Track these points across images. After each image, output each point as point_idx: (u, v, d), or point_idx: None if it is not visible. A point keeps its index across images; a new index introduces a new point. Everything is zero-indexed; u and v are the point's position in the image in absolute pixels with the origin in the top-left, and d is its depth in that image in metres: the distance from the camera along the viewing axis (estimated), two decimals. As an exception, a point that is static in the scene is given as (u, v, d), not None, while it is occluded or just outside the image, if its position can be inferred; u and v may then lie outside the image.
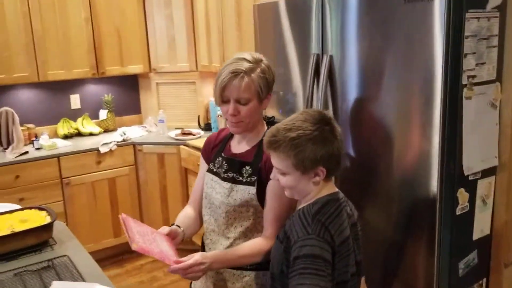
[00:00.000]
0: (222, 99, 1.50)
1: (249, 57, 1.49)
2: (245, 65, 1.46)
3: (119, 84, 4.24)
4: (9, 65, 3.42)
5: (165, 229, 1.52)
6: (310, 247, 1.22)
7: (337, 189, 1.39)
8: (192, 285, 1.73)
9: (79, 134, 3.94)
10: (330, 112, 1.36)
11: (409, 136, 1.69)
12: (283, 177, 1.34)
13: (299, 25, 1.93)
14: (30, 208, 1.92)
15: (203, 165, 1.70)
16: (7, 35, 3.38)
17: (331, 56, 1.77)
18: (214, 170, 1.61)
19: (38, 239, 1.73)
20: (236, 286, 1.57)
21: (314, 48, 1.85)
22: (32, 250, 1.71)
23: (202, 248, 1.68)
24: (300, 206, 1.38)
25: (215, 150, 1.66)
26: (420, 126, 1.64)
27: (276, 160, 1.32)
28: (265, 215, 1.52)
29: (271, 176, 1.39)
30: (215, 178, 1.60)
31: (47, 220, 1.81)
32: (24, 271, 1.57)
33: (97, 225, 3.68)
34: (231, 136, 1.65)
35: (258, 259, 1.49)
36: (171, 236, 1.53)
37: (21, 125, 3.68)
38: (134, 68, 3.98)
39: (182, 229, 1.60)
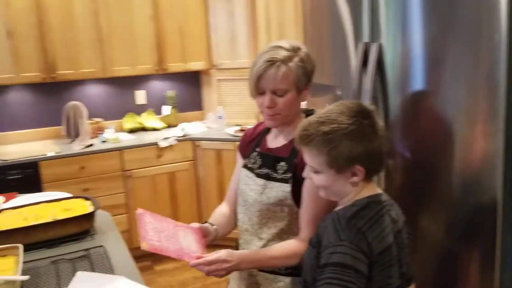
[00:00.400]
0: (258, 91, 1.41)
1: (286, 45, 1.39)
2: (282, 53, 1.37)
3: (182, 81, 4.30)
4: (77, 61, 3.58)
5: (196, 224, 1.46)
6: (341, 255, 1.10)
7: (379, 191, 1.25)
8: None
9: (143, 129, 4.05)
10: (371, 105, 1.22)
11: (470, 134, 1.49)
12: (316, 176, 1.22)
13: (350, 11, 1.79)
14: (77, 197, 1.95)
15: (239, 160, 1.63)
16: (76, 32, 3.54)
17: (380, 45, 1.61)
18: (249, 165, 1.53)
19: (79, 228, 1.75)
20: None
21: (363, 36, 1.70)
22: (73, 238, 1.74)
23: (236, 248, 1.60)
24: (337, 208, 1.26)
25: (251, 145, 1.58)
26: (483, 123, 1.44)
27: (308, 157, 1.22)
28: (301, 216, 1.41)
29: (304, 174, 1.28)
30: (250, 174, 1.52)
31: (89, 210, 1.83)
32: (60, 259, 1.59)
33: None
34: (268, 130, 1.56)
35: (292, 261, 1.39)
36: (204, 233, 1.47)
37: (90, 119, 3.85)
38: (196, 65, 4.01)
39: (214, 227, 1.53)
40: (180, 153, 3.75)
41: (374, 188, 1.24)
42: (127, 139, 3.72)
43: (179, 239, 1.32)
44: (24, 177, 3.28)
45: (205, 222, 1.55)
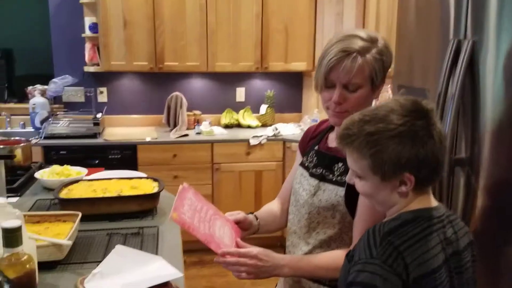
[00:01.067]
0: (326, 84, 1.27)
1: (363, 35, 1.25)
2: (359, 44, 1.22)
3: (282, 81, 4.27)
4: (183, 54, 3.73)
5: (238, 215, 1.39)
6: (369, 275, 0.95)
7: (435, 204, 1.07)
8: None
9: (238, 125, 4.09)
10: (429, 103, 1.03)
11: None
12: (359, 182, 1.08)
13: (446, 5, 1.58)
14: (147, 178, 2.00)
15: (298, 158, 1.52)
16: (185, 26, 3.69)
17: (473, 42, 1.39)
18: (306, 164, 1.42)
19: (140, 206, 1.79)
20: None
21: (453, 33, 1.49)
22: (134, 216, 1.77)
23: (283, 252, 1.50)
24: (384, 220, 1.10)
25: (312, 143, 1.47)
26: None
27: (350, 159, 1.07)
28: (354, 226, 1.27)
29: (347, 178, 1.14)
30: (305, 173, 1.41)
31: (154, 190, 1.86)
32: (116, 233, 1.63)
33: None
34: (331, 128, 1.43)
35: (336, 274, 1.25)
36: (242, 225, 1.40)
37: (190, 110, 4.00)
38: (298, 65, 3.95)
39: (258, 221, 1.45)
40: (270, 152, 3.71)
41: (429, 201, 1.06)
42: (221, 133, 3.79)
43: (214, 227, 1.26)
44: (123, 157, 3.51)
45: (251, 213, 1.48)
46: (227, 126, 4.05)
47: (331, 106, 1.27)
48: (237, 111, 4.17)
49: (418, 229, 0.99)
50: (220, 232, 1.27)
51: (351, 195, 1.26)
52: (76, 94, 3.97)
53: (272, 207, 1.56)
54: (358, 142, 1.01)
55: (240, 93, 4.24)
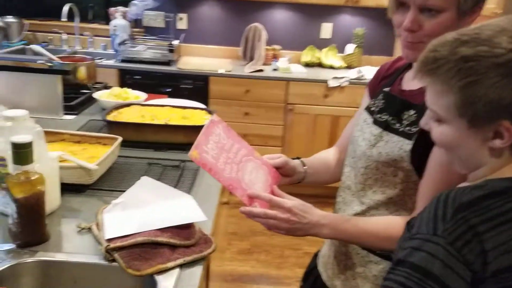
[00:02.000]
0: (398, 2, 1.00)
1: None
2: None
3: (376, 19, 3.83)
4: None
5: (279, 159, 1.18)
6: (427, 256, 0.71)
7: None
8: (320, 253, 1.37)
9: (320, 65, 3.80)
10: None
11: None
12: (438, 127, 0.82)
13: None
14: (202, 109, 1.85)
15: (365, 100, 1.27)
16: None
17: None
18: (372, 108, 1.17)
19: (186, 138, 1.63)
20: (358, 270, 1.15)
21: None
22: (181, 147, 1.64)
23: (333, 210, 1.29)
24: (461, 185, 0.84)
25: (384, 83, 1.20)
26: None
27: (431, 94, 0.81)
28: (420, 189, 1.02)
29: (421, 122, 0.88)
30: (369, 120, 1.16)
31: (204, 122, 1.70)
32: (156, 163, 1.51)
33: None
34: (409, 66, 1.15)
35: (387, 245, 1.02)
36: (284, 171, 1.19)
37: (269, 44, 3.76)
38: (393, 2, 3.49)
39: (305, 168, 1.24)
40: (350, 97, 3.40)
41: None
42: (299, 71, 3.53)
43: (244, 170, 1.07)
44: (194, 88, 3.41)
45: (298, 158, 1.27)
46: (307, 65, 3.77)
47: (403, 34, 0.99)
48: (320, 49, 3.85)
49: (507, 206, 0.72)
50: (252, 176, 1.07)
51: (420, 151, 1.00)
52: (156, 19, 3.88)
53: (327, 155, 1.34)
54: (446, 68, 0.75)
55: (326, 29, 3.89)
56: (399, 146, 1.04)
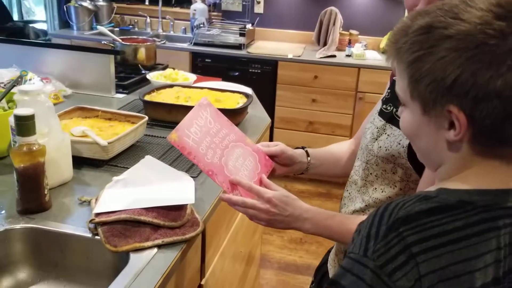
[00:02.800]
0: None
1: None
2: None
3: (465, 3, 3.50)
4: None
5: (275, 147, 1.12)
6: (356, 280, 0.60)
7: None
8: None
9: (399, 52, 3.56)
10: None
11: None
12: (403, 112, 0.72)
13: None
14: (239, 92, 1.83)
15: (386, 90, 1.16)
16: None
17: None
18: (384, 98, 1.07)
19: None
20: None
21: None
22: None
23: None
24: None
25: None
26: None
27: (396, 76, 0.71)
28: (418, 189, 0.92)
29: (399, 111, 0.78)
30: (379, 110, 1.07)
31: (236, 107, 1.69)
32: (181, 144, 1.53)
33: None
34: None
35: None
36: (280, 160, 1.13)
37: (346, 30, 3.61)
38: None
39: (309, 159, 1.17)
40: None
41: (508, 176, 0.64)
42: (373, 58, 3.35)
43: (229, 156, 1.03)
44: (262, 72, 3.39)
45: (303, 147, 1.20)
46: (385, 52, 3.56)
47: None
48: (401, 36, 3.61)
49: (461, 222, 0.60)
50: (237, 163, 1.03)
51: None
52: (234, 3, 3.91)
53: (340, 147, 1.25)
54: (401, 42, 0.65)
55: (409, 15, 3.63)
56: (398, 140, 0.95)
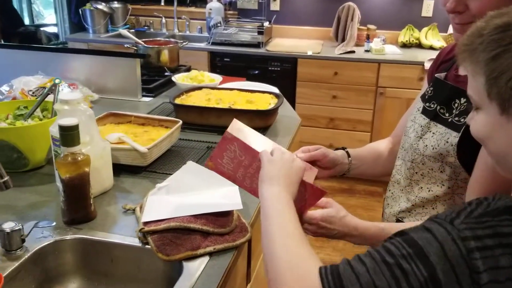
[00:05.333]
0: None
1: None
2: None
3: (485, -6, 3.44)
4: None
5: (316, 151, 1.10)
6: (431, 239, 0.59)
7: None
8: None
9: (419, 45, 3.52)
10: None
11: None
12: (475, 117, 0.70)
13: None
14: (269, 93, 1.81)
15: (424, 87, 1.14)
16: None
17: None
18: (426, 96, 1.05)
19: (251, 122, 1.56)
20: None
21: None
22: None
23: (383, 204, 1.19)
24: None
25: (442, 67, 1.07)
26: None
27: (468, 77, 0.69)
28: (469, 187, 0.90)
29: (467, 118, 0.76)
30: (422, 108, 1.04)
31: (268, 107, 1.67)
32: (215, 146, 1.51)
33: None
34: None
35: None
36: (323, 164, 1.11)
37: (364, 25, 3.57)
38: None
39: (350, 159, 1.15)
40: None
41: None
42: (393, 52, 3.31)
43: None
44: (282, 70, 3.37)
45: (343, 148, 1.18)
46: (404, 45, 3.52)
47: (451, 16, 0.88)
48: (420, 29, 3.57)
49: None
50: None
51: (468, 145, 0.88)
52: (250, 1, 3.89)
53: (378, 146, 1.24)
54: (477, 43, 0.64)
55: (428, 7, 3.59)
56: (445, 138, 0.93)
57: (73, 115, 1.08)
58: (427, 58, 3.12)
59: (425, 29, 3.54)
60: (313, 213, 0.96)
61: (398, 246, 0.61)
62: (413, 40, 3.52)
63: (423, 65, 3.10)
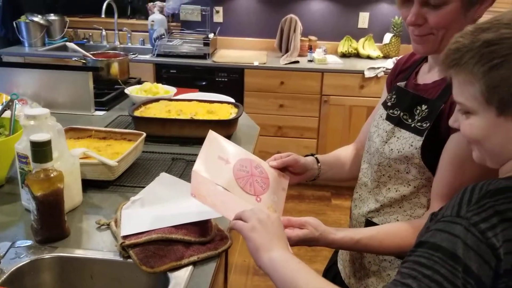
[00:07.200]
0: None
1: None
2: None
3: (415, 6, 3.69)
4: (300, -29, 3.39)
5: (287, 158, 1.14)
6: (449, 236, 0.67)
7: None
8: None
9: (357, 55, 3.71)
10: None
11: None
12: (466, 121, 0.78)
13: None
14: (228, 103, 1.84)
15: (384, 95, 1.23)
16: None
17: None
18: (388, 103, 1.13)
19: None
20: (372, 268, 1.12)
21: None
22: (206, 142, 1.65)
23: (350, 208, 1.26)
24: None
25: (401, 77, 1.16)
26: None
27: (456, 87, 0.78)
28: (434, 187, 0.98)
29: (450, 121, 0.84)
30: (384, 115, 1.12)
31: (230, 117, 1.70)
32: (181, 158, 1.52)
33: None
34: (424, 59, 1.10)
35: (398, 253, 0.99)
36: (294, 169, 1.16)
37: (305, 36, 3.70)
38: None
39: (319, 165, 1.21)
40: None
41: None
42: (334, 62, 3.46)
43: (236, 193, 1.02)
44: (229, 81, 3.41)
45: (312, 154, 1.24)
46: (344, 55, 3.69)
47: (410, 28, 0.97)
48: (357, 39, 3.76)
49: None
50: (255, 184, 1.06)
51: (431, 147, 0.97)
52: (193, 13, 3.90)
53: (343, 152, 1.30)
54: (469, 56, 0.72)
55: (363, 19, 3.79)
56: (409, 142, 1.00)
57: (41, 131, 1.05)
58: (366, 67, 3.29)
59: (362, 39, 3.73)
60: (290, 236, 0.95)
61: (427, 257, 0.68)
62: (351, 50, 3.69)
63: (363, 73, 3.26)
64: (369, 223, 1.11)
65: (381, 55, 3.62)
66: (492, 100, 0.72)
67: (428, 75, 1.05)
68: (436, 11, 0.92)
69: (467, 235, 0.66)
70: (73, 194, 1.18)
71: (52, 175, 1.02)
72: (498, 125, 0.73)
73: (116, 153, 1.38)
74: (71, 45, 2.33)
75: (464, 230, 0.66)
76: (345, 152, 1.30)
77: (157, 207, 1.13)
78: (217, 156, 1.08)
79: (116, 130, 1.53)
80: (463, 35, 0.75)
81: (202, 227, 1.07)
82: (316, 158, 1.23)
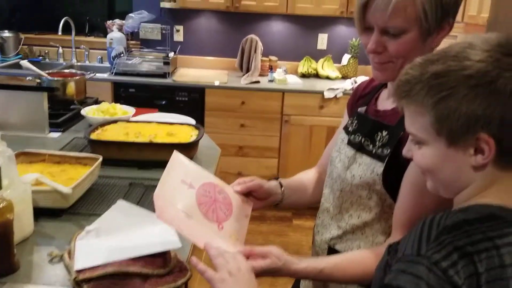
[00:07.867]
0: (363, 25, 0.99)
1: None
2: None
3: (371, 29, 3.81)
4: (261, -8, 3.43)
5: (251, 182, 1.13)
6: (412, 278, 0.67)
7: None
8: None
9: (317, 75, 3.77)
10: None
11: None
12: (418, 150, 0.79)
13: None
14: (189, 124, 1.82)
15: (344, 120, 1.24)
16: (265, -39, 3.36)
17: None
18: (349, 128, 1.14)
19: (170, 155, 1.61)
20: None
21: None
22: (166, 164, 1.61)
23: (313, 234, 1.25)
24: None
25: (361, 102, 1.18)
26: None
27: (407, 116, 0.79)
28: (395, 215, 0.98)
29: (403, 151, 0.85)
30: (346, 140, 1.13)
31: (190, 140, 1.67)
32: (140, 183, 1.48)
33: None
34: (384, 85, 1.13)
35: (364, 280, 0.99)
36: (258, 194, 1.15)
37: (266, 56, 3.74)
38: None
39: (283, 189, 1.20)
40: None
41: None
42: (294, 82, 3.51)
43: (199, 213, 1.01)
44: (190, 100, 3.38)
45: (276, 179, 1.23)
46: (303, 76, 3.75)
47: (370, 56, 0.98)
48: (316, 60, 3.83)
49: (496, 233, 0.68)
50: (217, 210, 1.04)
51: (393, 173, 0.98)
52: (153, 31, 3.87)
53: (306, 176, 1.30)
54: (418, 88, 0.74)
55: (322, 40, 3.87)
56: (371, 168, 1.01)
57: (-11, 158, 1.00)
58: (325, 87, 3.35)
59: (321, 60, 3.80)
60: (254, 267, 0.93)
61: None
62: (311, 71, 3.75)
63: (323, 93, 3.32)
64: (331, 250, 1.11)
65: (340, 75, 3.70)
66: (441, 131, 0.73)
67: (387, 101, 1.07)
68: (395, 40, 0.94)
69: (429, 275, 0.66)
70: (23, 224, 1.11)
71: (1, 205, 0.96)
72: (448, 156, 0.74)
73: (71, 179, 1.33)
74: (25, 63, 2.25)
75: (426, 270, 0.66)
76: (307, 176, 1.30)
77: (113, 237, 1.08)
78: (180, 179, 1.06)
79: (71, 154, 1.47)
80: (412, 67, 0.76)
81: (160, 258, 1.03)
82: (280, 182, 1.22)
